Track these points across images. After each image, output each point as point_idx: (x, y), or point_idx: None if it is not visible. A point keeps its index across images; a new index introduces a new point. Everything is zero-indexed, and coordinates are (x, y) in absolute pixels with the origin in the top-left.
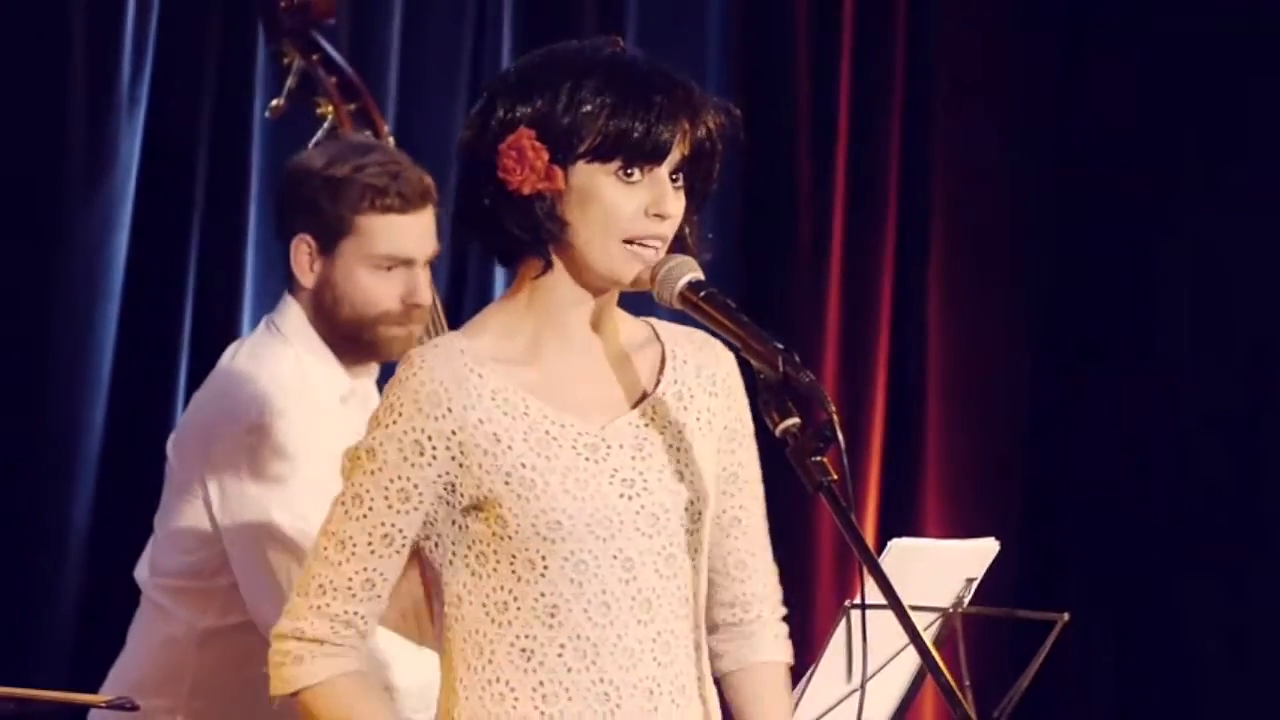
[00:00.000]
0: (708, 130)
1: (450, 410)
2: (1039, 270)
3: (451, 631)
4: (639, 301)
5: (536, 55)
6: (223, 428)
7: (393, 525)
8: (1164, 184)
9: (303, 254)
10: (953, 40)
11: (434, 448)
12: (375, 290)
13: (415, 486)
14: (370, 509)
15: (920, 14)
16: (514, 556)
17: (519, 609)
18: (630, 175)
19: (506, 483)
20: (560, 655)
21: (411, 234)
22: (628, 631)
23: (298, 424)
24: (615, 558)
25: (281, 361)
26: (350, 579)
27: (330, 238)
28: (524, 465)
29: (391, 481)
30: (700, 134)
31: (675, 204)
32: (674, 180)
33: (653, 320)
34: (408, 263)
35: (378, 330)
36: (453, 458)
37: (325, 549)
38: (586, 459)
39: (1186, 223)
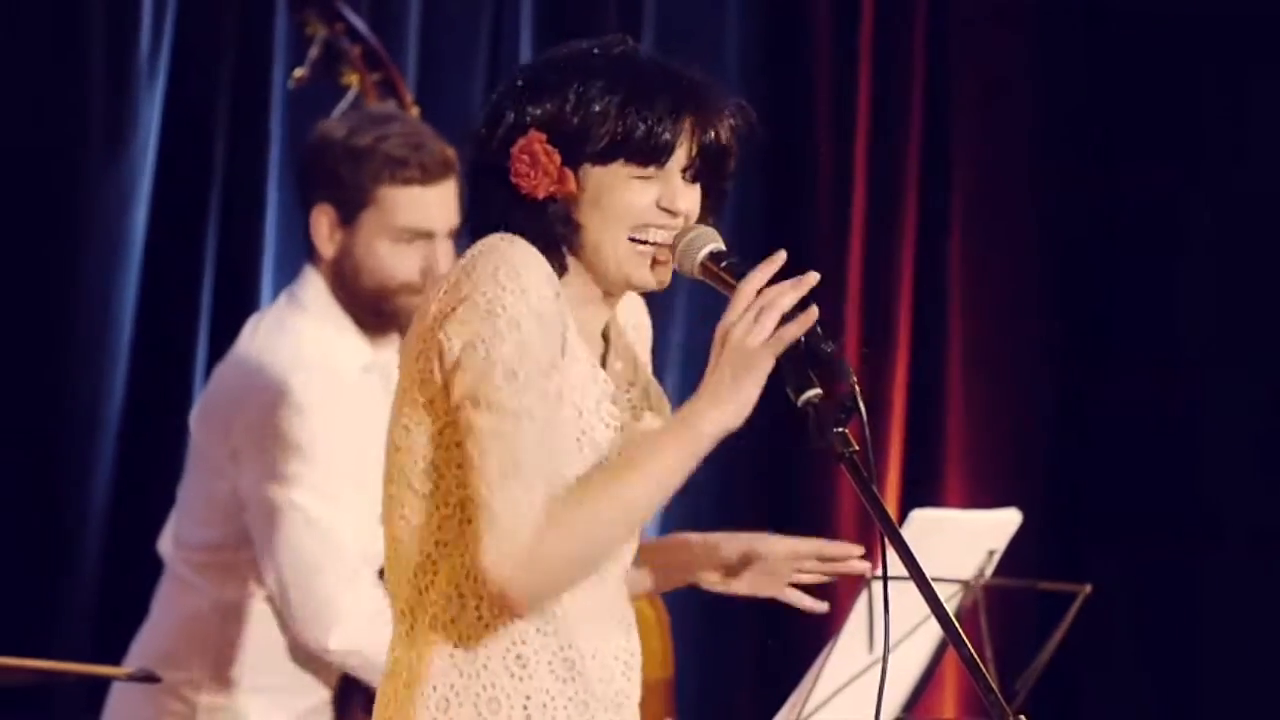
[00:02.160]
0: (718, 128)
1: (566, 334)
2: (1062, 241)
3: (452, 547)
4: None
5: (547, 55)
6: (246, 400)
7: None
8: (1189, 153)
9: (323, 224)
10: (973, 15)
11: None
12: (395, 262)
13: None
14: (528, 381)
15: None
16: None
17: None
18: (643, 175)
19: (570, 389)
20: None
21: (432, 206)
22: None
23: (320, 396)
24: None
25: (303, 333)
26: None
27: (351, 208)
28: (579, 385)
29: (539, 351)
30: (710, 132)
31: (687, 201)
32: (687, 178)
33: None
34: (428, 235)
35: (397, 302)
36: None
37: (510, 487)
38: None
39: (1214, 195)
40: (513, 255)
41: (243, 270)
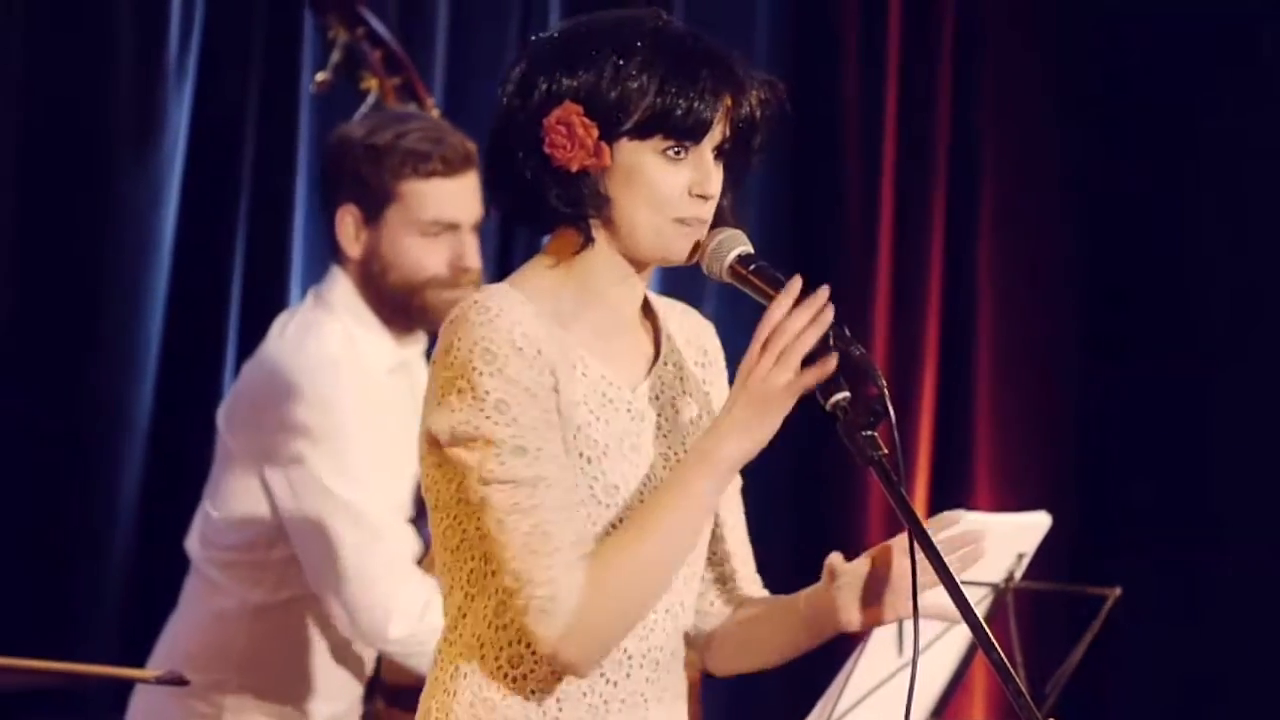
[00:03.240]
0: (751, 107)
1: (540, 352)
2: (1089, 246)
3: (486, 581)
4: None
5: (578, 24)
6: (274, 400)
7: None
8: (1208, 160)
9: (348, 224)
10: (999, 19)
11: (541, 388)
12: (423, 256)
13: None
14: (539, 451)
15: None
16: None
17: None
18: (676, 154)
19: (574, 436)
20: None
21: (457, 197)
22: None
23: (348, 395)
24: None
25: (330, 334)
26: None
27: (375, 206)
28: (589, 424)
29: (536, 419)
30: (744, 110)
31: (717, 183)
32: (715, 157)
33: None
34: (454, 227)
35: (426, 296)
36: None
37: (542, 559)
38: (633, 420)
39: (1240, 191)
40: (483, 331)
41: (271, 270)
